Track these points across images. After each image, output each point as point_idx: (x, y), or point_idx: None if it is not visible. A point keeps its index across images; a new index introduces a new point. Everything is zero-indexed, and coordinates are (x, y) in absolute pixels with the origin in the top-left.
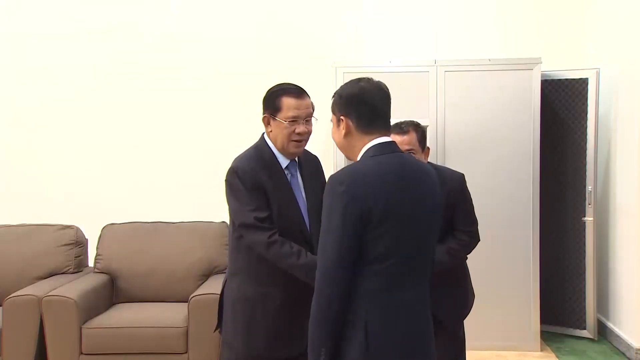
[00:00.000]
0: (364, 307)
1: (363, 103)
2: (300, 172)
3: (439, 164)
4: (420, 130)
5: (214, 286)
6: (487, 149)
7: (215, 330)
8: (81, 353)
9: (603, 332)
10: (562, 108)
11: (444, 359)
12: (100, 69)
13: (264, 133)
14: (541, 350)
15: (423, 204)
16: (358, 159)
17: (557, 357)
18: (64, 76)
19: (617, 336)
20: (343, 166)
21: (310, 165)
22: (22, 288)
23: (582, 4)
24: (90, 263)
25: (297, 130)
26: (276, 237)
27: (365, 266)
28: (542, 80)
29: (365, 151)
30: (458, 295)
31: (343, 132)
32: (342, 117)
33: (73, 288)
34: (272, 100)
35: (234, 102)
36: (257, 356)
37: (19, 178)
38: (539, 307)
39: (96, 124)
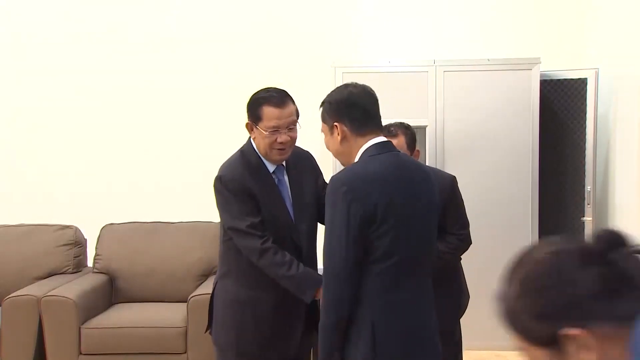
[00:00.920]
0: (369, 306)
1: (354, 106)
2: (288, 174)
3: (437, 164)
4: (409, 133)
5: None
6: (486, 149)
7: (206, 331)
8: (80, 353)
9: None
10: (561, 108)
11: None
12: (100, 69)
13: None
14: None
15: (422, 202)
16: (356, 160)
17: None
18: (63, 76)
19: None
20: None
21: (304, 162)
22: (21, 288)
23: (582, 4)
24: (90, 263)
25: (278, 140)
26: (269, 244)
27: (369, 265)
28: (541, 80)
29: (364, 151)
30: (451, 294)
31: (339, 138)
32: (335, 124)
33: (72, 288)
34: (254, 109)
35: (234, 102)
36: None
37: (18, 178)
38: None
39: (95, 124)
